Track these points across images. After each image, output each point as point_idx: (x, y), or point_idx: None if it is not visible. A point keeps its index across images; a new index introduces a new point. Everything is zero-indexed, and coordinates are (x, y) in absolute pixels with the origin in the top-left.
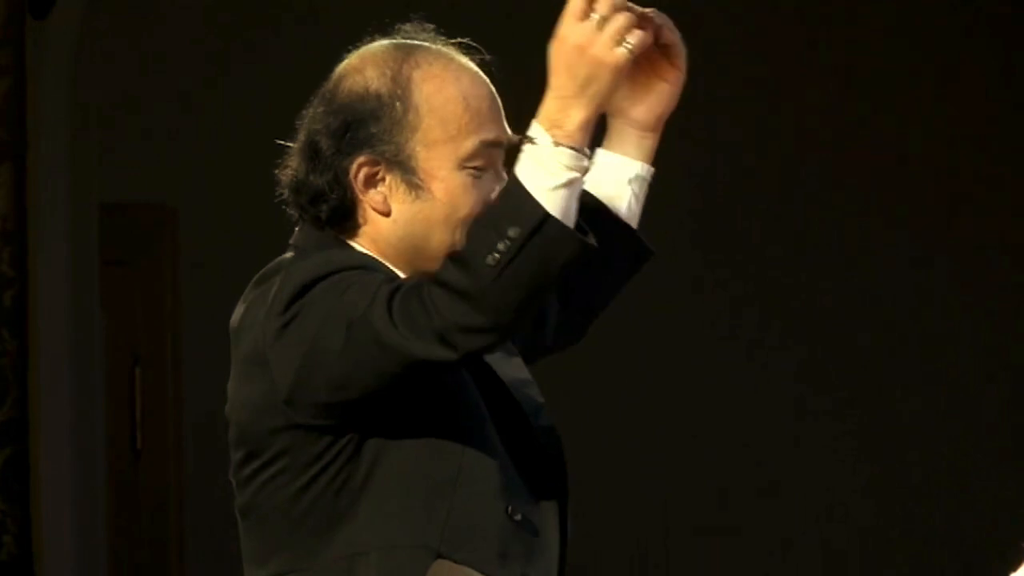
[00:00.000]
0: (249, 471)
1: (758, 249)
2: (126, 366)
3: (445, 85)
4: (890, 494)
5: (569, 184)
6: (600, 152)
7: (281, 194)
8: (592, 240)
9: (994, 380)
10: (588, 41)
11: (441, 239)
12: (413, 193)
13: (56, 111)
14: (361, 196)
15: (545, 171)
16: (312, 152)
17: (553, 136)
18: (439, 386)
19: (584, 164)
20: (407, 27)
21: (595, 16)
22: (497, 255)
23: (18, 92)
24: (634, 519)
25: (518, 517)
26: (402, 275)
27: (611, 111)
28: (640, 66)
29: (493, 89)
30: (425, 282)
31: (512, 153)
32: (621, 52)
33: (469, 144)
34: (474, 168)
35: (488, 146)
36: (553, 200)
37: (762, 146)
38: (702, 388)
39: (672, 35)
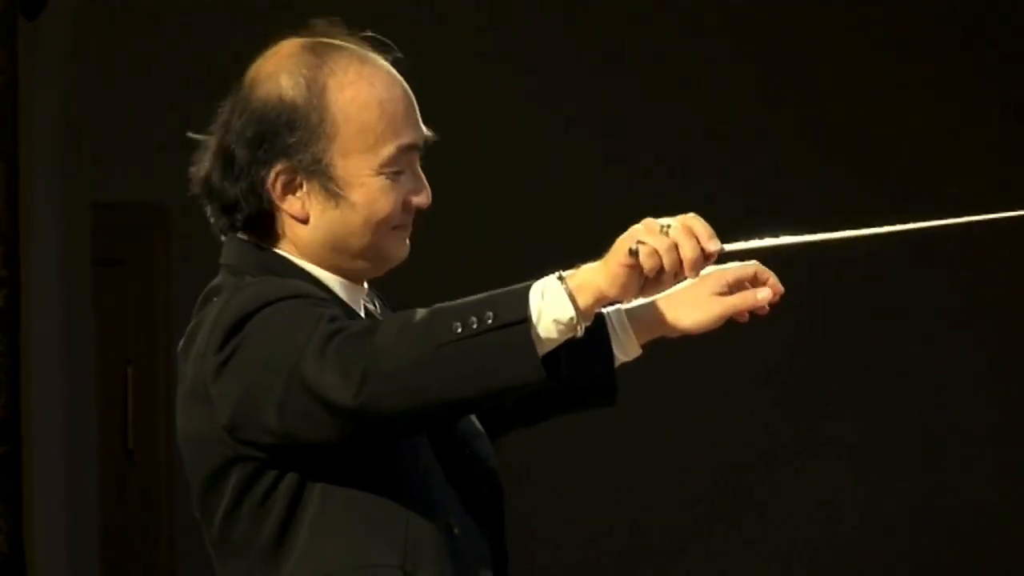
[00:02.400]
0: (211, 505)
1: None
2: (118, 366)
3: (360, 92)
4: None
5: (557, 323)
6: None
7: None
8: (560, 376)
9: (994, 381)
10: (638, 233)
11: (361, 242)
12: (332, 201)
13: (48, 111)
14: (279, 204)
15: (545, 296)
16: (226, 160)
17: (569, 284)
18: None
19: (574, 325)
20: (319, 23)
21: (666, 225)
22: (461, 327)
23: (10, 92)
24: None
25: (457, 531)
26: (326, 276)
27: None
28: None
29: (407, 88)
30: (385, 321)
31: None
32: (633, 254)
33: (386, 152)
34: (392, 172)
35: (405, 151)
36: (540, 322)
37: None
38: (698, 389)
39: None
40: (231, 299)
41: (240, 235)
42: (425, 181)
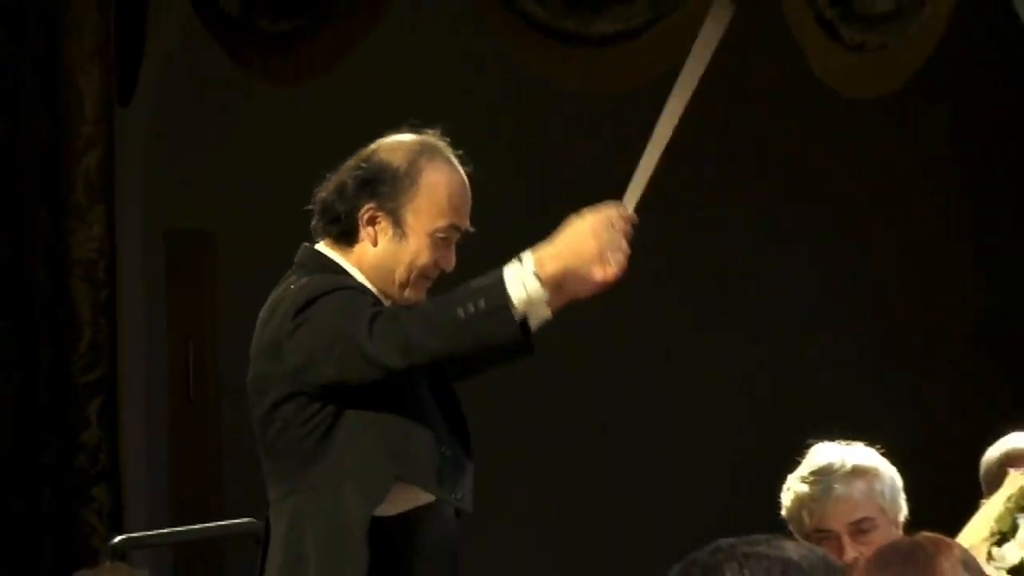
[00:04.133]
0: (267, 423)
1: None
2: (182, 341)
3: (441, 179)
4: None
5: (529, 302)
6: None
7: (307, 211)
8: (523, 337)
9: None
10: (599, 234)
11: (401, 274)
12: (396, 238)
13: (134, 168)
14: (362, 228)
15: (520, 285)
16: (342, 188)
17: (535, 268)
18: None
19: (543, 297)
20: (430, 132)
21: (616, 225)
22: (463, 312)
23: (108, 156)
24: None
25: (447, 453)
26: (373, 289)
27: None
28: None
29: (469, 191)
30: (401, 311)
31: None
32: (610, 269)
33: (441, 223)
34: (439, 238)
35: (452, 228)
36: (518, 303)
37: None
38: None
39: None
40: (304, 285)
41: (317, 246)
42: (454, 256)
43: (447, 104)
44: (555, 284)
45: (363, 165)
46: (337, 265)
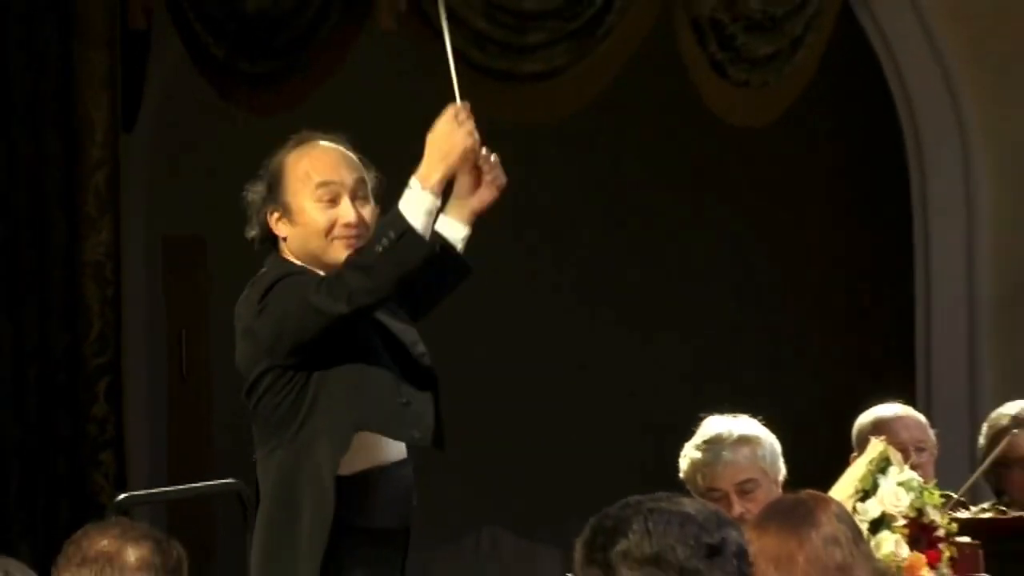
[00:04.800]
0: (252, 393)
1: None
2: (178, 330)
3: (301, 157)
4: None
5: (427, 213)
6: (444, 217)
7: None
8: (436, 247)
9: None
10: (451, 131)
11: (315, 245)
12: (294, 224)
13: (137, 183)
14: (274, 229)
15: (414, 205)
16: (255, 206)
17: (422, 185)
18: (354, 337)
19: (436, 204)
20: (305, 133)
21: (459, 118)
22: (380, 247)
23: (115, 174)
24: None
25: (404, 401)
26: (309, 268)
27: (457, 195)
28: (474, 179)
29: (336, 156)
30: (342, 268)
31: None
32: (469, 140)
33: (310, 187)
34: (324, 201)
35: (324, 185)
36: (417, 221)
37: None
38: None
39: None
40: (264, 274)
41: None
42: (354, 210)
43: (403, 128)
44: (443, 185)
45: (260, 176)
46: (289, 262)
